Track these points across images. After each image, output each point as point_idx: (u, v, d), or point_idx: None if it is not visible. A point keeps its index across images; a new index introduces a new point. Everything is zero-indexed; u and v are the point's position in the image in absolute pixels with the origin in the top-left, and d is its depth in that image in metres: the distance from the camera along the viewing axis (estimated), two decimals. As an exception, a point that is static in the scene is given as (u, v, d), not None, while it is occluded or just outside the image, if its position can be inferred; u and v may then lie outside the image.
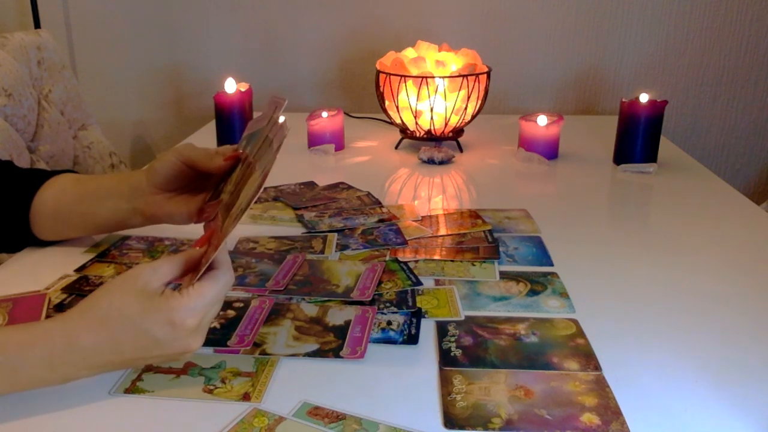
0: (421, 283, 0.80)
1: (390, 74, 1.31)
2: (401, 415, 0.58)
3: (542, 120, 1.30)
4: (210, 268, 0.59)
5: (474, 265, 0.86)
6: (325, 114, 1.35)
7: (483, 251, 0.89)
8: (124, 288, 0.58)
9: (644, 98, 1.24)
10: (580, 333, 0.71)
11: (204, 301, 0.58)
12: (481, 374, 0.64)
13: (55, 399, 0.59)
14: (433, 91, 1.29)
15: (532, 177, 1.26)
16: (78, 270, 0.84)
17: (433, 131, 1.35)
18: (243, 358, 0.66)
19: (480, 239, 0.93)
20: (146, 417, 0.58)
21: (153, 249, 0.90)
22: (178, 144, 0.81)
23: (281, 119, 0.67)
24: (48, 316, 0.72)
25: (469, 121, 1.37)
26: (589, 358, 0.66)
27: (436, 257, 0.88)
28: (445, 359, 0.66)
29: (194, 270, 0.60)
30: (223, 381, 0.62)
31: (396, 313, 0.74)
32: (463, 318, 0.73)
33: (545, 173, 1.28)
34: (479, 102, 1.34)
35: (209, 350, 0.66)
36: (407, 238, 0.93)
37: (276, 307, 0.75)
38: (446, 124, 1.33)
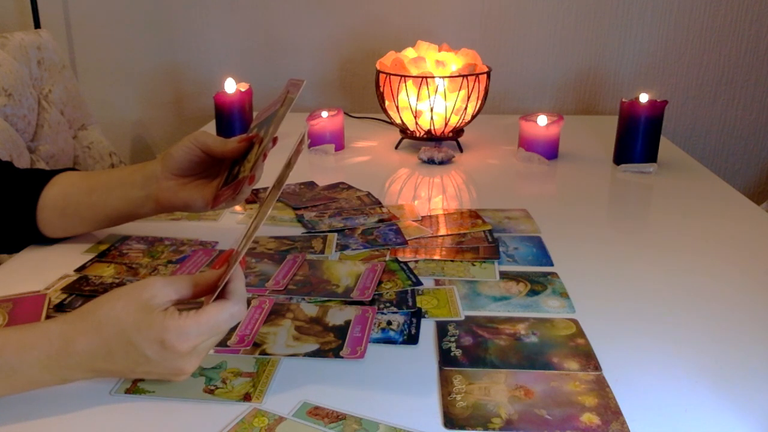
0: (421, 283, 0.80)
1: (390, 74, 1.31)
2: (401, 415, 0.58)
3: (542, 120, 1.30)
4: (221, 295, 0.59)
5: (474, 265, 0.86)
6: (325, 114, 1.35)
7: (483, 251, 0.89)
8: (129, 297, 0.57)
9: (644, 98, 1.24)
10: (580, 333, 0.71)
11: (200, 328, 0.56)
12: (481, 374, 0.64)
13: (56, 399, 0.59)
14: (433, 91, 1.29)
15: (532, 177, 1.26)
16: (78, 270, 0.84)
17: (433, 131, 1.35)
18: (244, 358, 0.66)
19: (480, 239, 0.93)
20: (147, 417, 0.58)
21: (153, 249, 0.90)
22: (196, 132, 0.83)
23: (304, 132, 0.68)
24: (48, 316, 0.72)
25: (469, 121, 1.37)
26: (589, 358, 0.66)
27: (436, 257, 0.88)
28: (445, 359, 0.66)
29: (211, 292, 0.60)
30: (224, 381, 0.62)
31: (396, 313, 0.74)
32: (463, 318, 0.73)
33: (545, 173, 1.28)
34: (479, 102, 1.34)
35: (210, 350, 0.66)
36: (407, 238, 0.93)
37: (276, 307, 0.75)
38: (446, 124, 1.33)
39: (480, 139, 1.46)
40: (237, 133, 1.35)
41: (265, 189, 1.13)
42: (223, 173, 0.82)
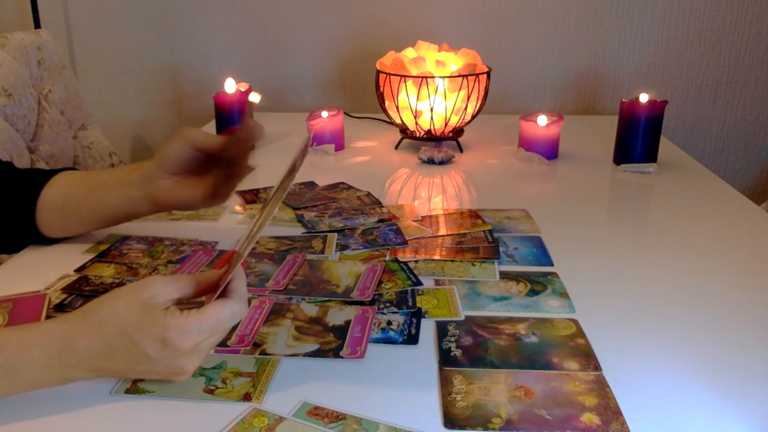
0: (421, 283, 0.80)
1: (390, 74, 1.31)
2: (401, 415, 0.58)
3: (542, 120, 1.30)
4: (222, 295, 0.59)
5: (474, 265, 0.86)
6: (325, 114, 1.35)
7: (483, 251, 0.89)
8: (130, 296, 0.57)
9: (644, 98, 1.24)
10: (580, 333, 0.71)
11: (201, 326, 0.56)
12: (481, 374, 0.64)
13: (56, 399, 0.59)
14: (433, 91, 1.29)
15: (532, 177, 1.26)
16: (78, 270, 0.84)
17: (433, 131, 1.35)
18: (244, 358, 0.66)
19: (480, 239, 0.93)
20: (147, 417, 0.58)
21: (153, 249, 0.90)
22: (185, 129, 0.83)
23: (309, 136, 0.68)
24: (48, 316, 0.72)
25: (469, 121, 1.37)
26: (589, 358, 0.66)
27: (436, 257, 0.88)
28: (445, 359, 0.66)
29: (212, 291, 0.60)
30: (224, 381, 0.62)
31: (396, 313, 0.74)
32: (463, 318, 0.73)
33: (545, 173, 1.28)
34: (479, 102, 1.34)
35: (211, 350, 0.66)
36: (407, 238, 0.93)
37: (276, 307, 0.75)
38: (446, 124, 1.33)
39: (480, 139, 1.46)
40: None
41: (265, 189, 1.13)
42: (217, 170, 0.82)
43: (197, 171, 0.84)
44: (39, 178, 0.87)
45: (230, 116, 1.35)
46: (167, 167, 0.82)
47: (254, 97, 1.26)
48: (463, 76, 1.28)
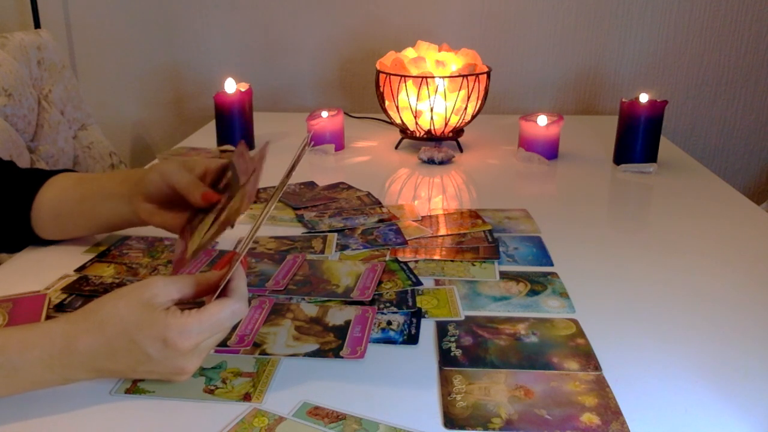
0: (421, 283, 0.80)
1: (390, 74, 1.31)
2: (401, 415, 0.58)
3: (542, 120, 1.30)
4: (223, 294, 0.59)
5: (474, 265, 0.86)
6: (325, 114, 1.35)
7: (483, 251, 0.89)
8: (131, 296, 0.57)
9: (644, 98, 1.24)
10: (580, 333, 0.71)
11: (202, 326, 0.56)
12: (481, 374, 0.64)
13: (56, 399, 0.59)
14: (433, 91, 1.29)
15: (532, 177, 1.26)
16: (78, 270, 0.84)
17: (433, 131, 1.35)
18: (244, 358, 0.66)
19: (480, 239, 0.93)
20: (147, 417, 0.58)
21: (153, 249, 0.90)
22: (169, 162, 0.79)
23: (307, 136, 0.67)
24: (48, 316, 0.72)
25: (469, 121, 1.37)
26: (589, 358, 0.66)
27: (436, 257, 0.88)
28: (445, 359, 0.66)
29: (212, 292, 0.60)
30: (223, 381, 0.62)
31: (396, 313, 0.74)
32: (463, 318, 0.73)
33: (545, 173, 1.28)
34: (479, 102, 1.34)
35: (211, 350, 0.66)
36: (407, 238, 0.93)
37: (276, 307, 0.75)
38: (446, 124, 1.33)
39: (480, 139, 1.46)
40: (237, 134, 1.35)
41: (265, 189, 1.13)
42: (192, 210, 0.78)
43: (177, 203, 0.79)
44: (36, 180, 0.86)
45: (230, 116, 1.35)
46: (144, 194, 0.79)
47: None
48: (463, 76, 1.28)
